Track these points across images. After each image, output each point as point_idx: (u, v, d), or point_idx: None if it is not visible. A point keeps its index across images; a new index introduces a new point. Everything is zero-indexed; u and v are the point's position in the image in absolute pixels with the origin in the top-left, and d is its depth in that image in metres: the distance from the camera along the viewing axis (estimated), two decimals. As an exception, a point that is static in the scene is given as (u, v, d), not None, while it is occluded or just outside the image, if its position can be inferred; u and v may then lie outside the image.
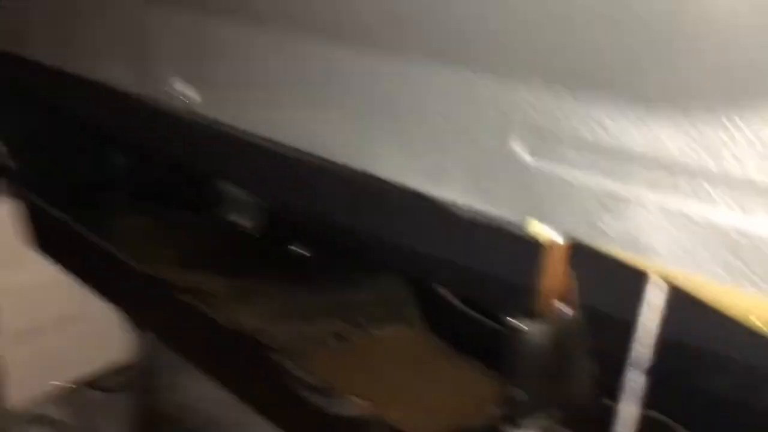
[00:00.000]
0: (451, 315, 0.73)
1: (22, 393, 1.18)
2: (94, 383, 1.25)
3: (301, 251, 0.85)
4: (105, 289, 0.86)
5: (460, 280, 0.59)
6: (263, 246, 0.86)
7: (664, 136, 0.40)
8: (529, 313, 0.50)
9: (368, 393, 0.62)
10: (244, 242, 0.87)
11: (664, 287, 0.44)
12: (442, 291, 0.75)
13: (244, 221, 0.78)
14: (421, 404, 0.64)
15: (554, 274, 0.49)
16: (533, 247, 0.50)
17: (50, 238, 0.91)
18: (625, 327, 0.46)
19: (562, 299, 0.50)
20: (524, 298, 0.52)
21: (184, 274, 0.80)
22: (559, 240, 0.48)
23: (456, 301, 0.73)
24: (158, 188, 0.97)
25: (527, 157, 0.47)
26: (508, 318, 0.50)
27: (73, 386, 1.22)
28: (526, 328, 0.50)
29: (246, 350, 0.66)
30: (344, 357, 0.71)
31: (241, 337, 0.66)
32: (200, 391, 0.79)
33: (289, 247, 0.85)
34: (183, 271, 0.81)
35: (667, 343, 0.46)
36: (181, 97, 0.68)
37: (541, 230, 0.48)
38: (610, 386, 0.48)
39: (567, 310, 0.50)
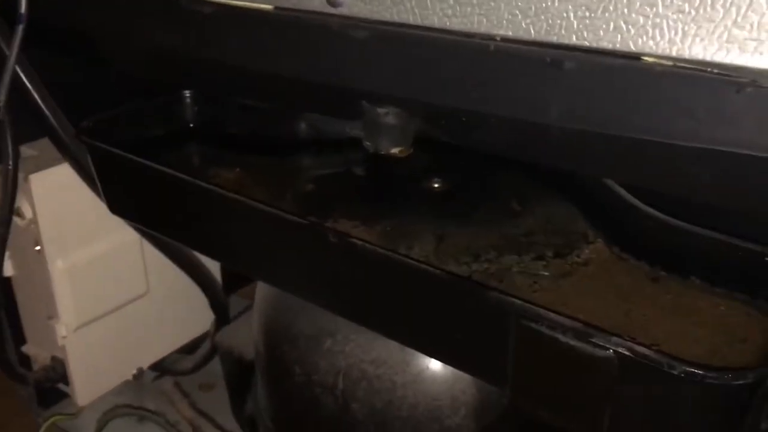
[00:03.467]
0: (650, 230, 0.62)
1: (89, 388, 1.04)
2: (163, 366, 1.12)
3: (446, 183, 0.73)
4: (211, 245, 0.72)
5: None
6: (402, 179, 0.73)
7: None
8: None
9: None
10: (378, 180, 0.74)
11: None
12: (627, 204, 0.64)
13: (386, 147, 0.64)
14: (685, 344, 0.53)
15: None
16: None
17: (130, 194, 0.76)
18: None
19: None
20: None
21: (321, 221, 0.67)
22: None
23: (655, 213, 0.62)
24: (257, 132, 0.83)
25: None
26: None
27: (143, 371, 1.09)
28: None
29: (458, 296, 0.53)
30: (549, 297, 0.59)
31: (450, 282, 0.53)
32: (353, 354, 0.66)
33: (432, 178, 0.72)
34: (317, 217, 0.67)
35: None
36: (327, -7, 0.54)
37: None
38: None
39: None
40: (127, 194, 0.77)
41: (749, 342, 0.53)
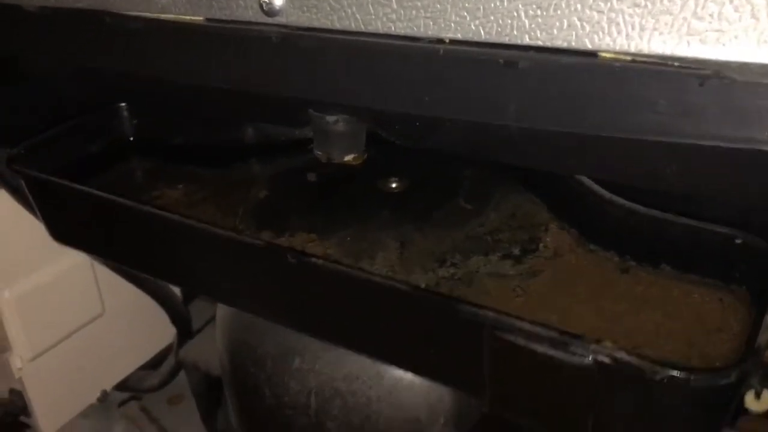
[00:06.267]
0: (617, 219, 0.60)
1: (52, 417, 1.00)
2: (129, 385, 1.08)
3: (402, 185, 0.70)
4: (162, 269, 0.69)
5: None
6: (357, 183, 0.70)
7: None
8: None
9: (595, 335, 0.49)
10: (332, 184, 0.71)
11: None
12: (592, 193, 0.62)
13: (339, 156, 0.61)
14: (660, 337, 0.52)
15: None
16: None
17: (72, 222, 0.72)
18: None
19: None
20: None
21: (275, 237, 0.64)
22: None
23: (622, 201, 0.60)
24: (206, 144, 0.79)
25: None
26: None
27: (107, 393, 1.05)
28: None
29: (427, 309, 0.51)
30: (520, 298, 0.57)
31: (419, 298, 0.51)
32: (323, 372, 0.64)
33: (387, 181, 0.70)
34: (272, 233, 0.65)
35: None
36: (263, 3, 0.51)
37: None
38: None
39: None
40: (68, 221, 0.73)
41: (725, 331, 0.52)
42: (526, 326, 0.46)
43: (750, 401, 0.83)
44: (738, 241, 0.54)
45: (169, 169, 0.79)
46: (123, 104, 0.80)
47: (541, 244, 0.62)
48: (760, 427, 0.86)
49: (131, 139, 0.82)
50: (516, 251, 0.62)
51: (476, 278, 0.59)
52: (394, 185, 0.70)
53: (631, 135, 0.45)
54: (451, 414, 0.61)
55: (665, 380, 0.42)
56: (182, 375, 1.09)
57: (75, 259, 0.96)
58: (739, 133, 0.41)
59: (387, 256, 0.62)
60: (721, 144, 0.42)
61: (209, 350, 0.92)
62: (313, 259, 0.54)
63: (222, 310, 0.74)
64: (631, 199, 0.60)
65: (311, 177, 0.74)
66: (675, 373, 0.42)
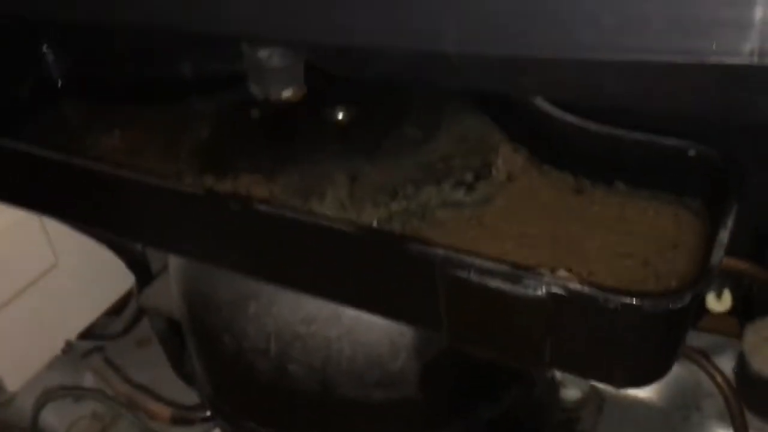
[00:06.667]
0: (569, 137, 0.59)
1: (17, 372, 0.99)
2: (93, 333, 1.07)
3: (348, 116, 0.67)
4: (104, 222, 0.66)
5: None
6: (297, 121, 0.67)
7: None
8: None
9: (550, 262, 0.47)
10: (275, 120, 0.68)
11: None
12: (540, 111, 0.60)
13: (276, 92, 0.58)
14: (616, 258, 0.51)
15: None
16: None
17: (2, 178, 0.69)
18: None
19: None
20: None
21: (219, 181, 0.61)
22: None
23: (573, 118, 0.58)
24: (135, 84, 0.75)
25: None
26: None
27: (71, 344, 1.03)
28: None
29: (377, 249, 0.49)
30: (474, 228, 0.55)
31: (370, 238, 0.49)
32: (281, 316, 0.63)
33: (333, 114, 0.66)
34: (216, 176, 0.62)
35: None
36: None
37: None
38: None
39: None
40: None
41: (681, 247, 0.51)
42: (477, 262, 0.45)
43: (711, 302, 0.84)
44: (691, 153, 0.52)
45: (102, 113, 0.75)
46: (47, 45, 0.75)
47: (493, 169, 0.60)
48: (721, 325, 0.87)
49: (59, 82, 0.77)
50: (469, 178, 0.60)
51: (429, 210, 0.57)
52: (340, 117, 0.67)
53: (575, 55, 0.42)
54: (413, 347, 0.61)
55: (619, 307, 0.42)
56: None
57: (20, 211, 0.92)
58: (684, 45, 0.39)
59: (337, 192, 0.59)
60: (667, 58, 0.40)
61: (169, 294, 0.90)
62: (257, 205, 0.52)
63: (174, 259, 0.72)
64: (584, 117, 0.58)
65: (254, 113, 0.70)
66: (627, 300, 0.41)
